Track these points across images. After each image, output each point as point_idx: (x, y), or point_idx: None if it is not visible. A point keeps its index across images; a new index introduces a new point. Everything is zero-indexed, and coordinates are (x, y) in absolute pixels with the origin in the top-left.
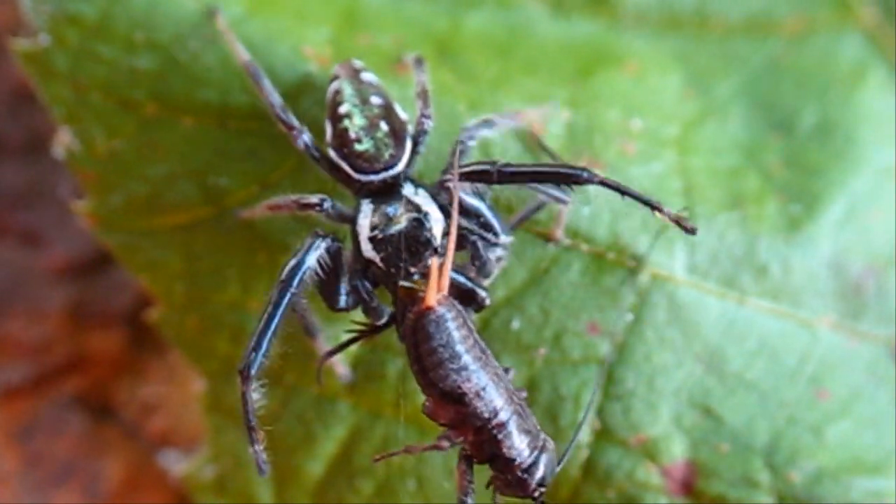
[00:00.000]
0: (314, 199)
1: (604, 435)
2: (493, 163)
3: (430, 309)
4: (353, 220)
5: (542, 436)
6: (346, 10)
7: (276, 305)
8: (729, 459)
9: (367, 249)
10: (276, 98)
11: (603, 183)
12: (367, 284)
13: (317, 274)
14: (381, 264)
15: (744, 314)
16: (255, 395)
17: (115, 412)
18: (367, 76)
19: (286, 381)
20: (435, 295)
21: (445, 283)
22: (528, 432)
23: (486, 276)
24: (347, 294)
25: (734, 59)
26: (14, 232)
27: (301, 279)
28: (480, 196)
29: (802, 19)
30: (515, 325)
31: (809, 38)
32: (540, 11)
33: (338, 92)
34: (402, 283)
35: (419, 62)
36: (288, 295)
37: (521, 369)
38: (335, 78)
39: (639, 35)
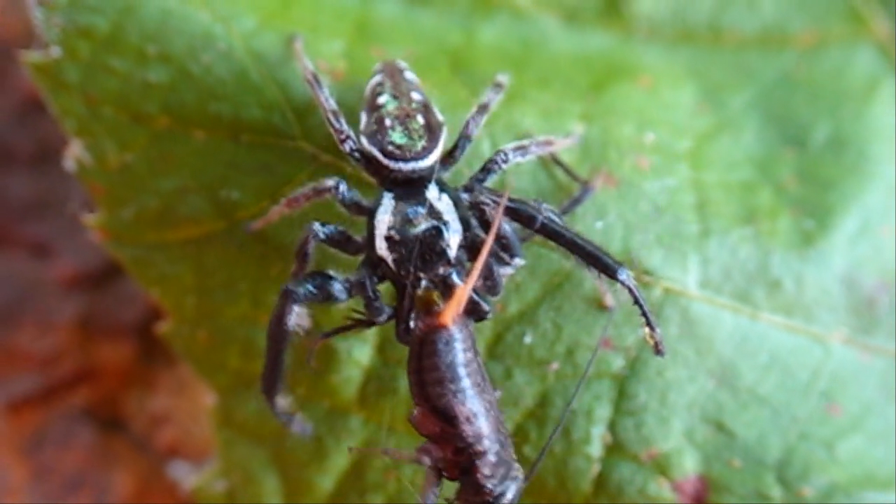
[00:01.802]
0: (330, 181)
1: (616, 450)
2: (539, 211)
3: (444, 327)
4: (371, 213)
5: (516, 466)
6: (359, 23)
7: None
8: (741, 474)
9: (381, 247)
10: (331, 104)
11: (630, 291)
12: (374, 280)
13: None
14: (391, 265)
15: (756, 329)
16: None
17: (125, 424)
18: (409, 75)
19: (297, 394)
20: (453, 314)
21: (462, 305)
22: (504, 462)
23: (495, 294)
24: (343, 285)
25: (747, 73)
26: (23, 243)
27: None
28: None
29: (816, 32)
30: (528, 339)
31: (822, 51)
32: (553, 24)
33: (379, 84)
34: (421, 291)
35: (498, 86)
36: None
37: (534, 384)
38: (377, 73)
39: (652, 48)
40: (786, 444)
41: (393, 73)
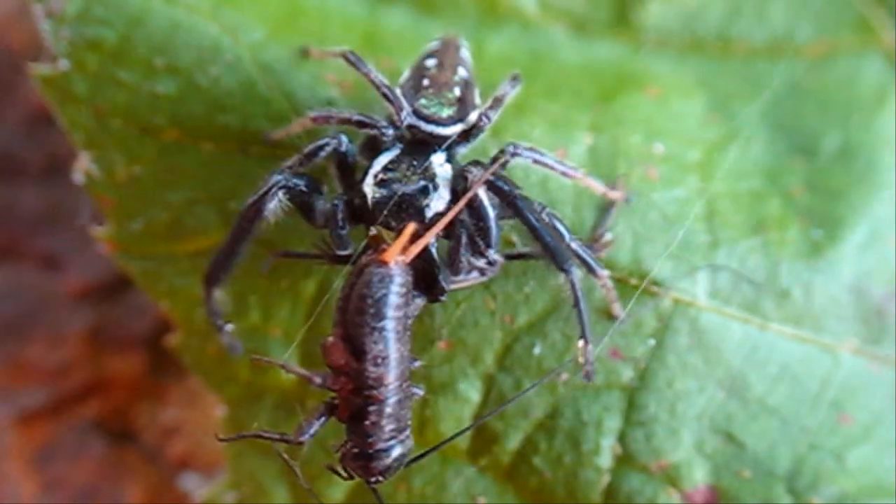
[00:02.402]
0: (356, 115)
1: (625, 461)
2: (516, 189)
3: (384, 263)
4: (375, 155)
5: (408, 433)
6: (367, 34)
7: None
8: (751, 485)
9: (369, 183)
10: (382, 78)
11: (572, 288)
12: (347, 212)
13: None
14: (369, 203)
15: (766, 339)
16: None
17: (135, 436)
18: (464, 52)
19: (307, 406)
20: (396, 254)
21: (413, 252)
22: (397, 421)
23: (454, 273)
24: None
25: (756, 83)
26: (33, 256)
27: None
28: (494, 207)
29: (825, 42)
30: (537, 350)
31: (832, 61)
32: (562, 34)
33: (434, 50)
34: (375, 228)
35: (515, 80)
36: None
37: (544, 395)
38: (435, 41)
39: (661, 58)
40: (795, 454)
41: (449, 46)
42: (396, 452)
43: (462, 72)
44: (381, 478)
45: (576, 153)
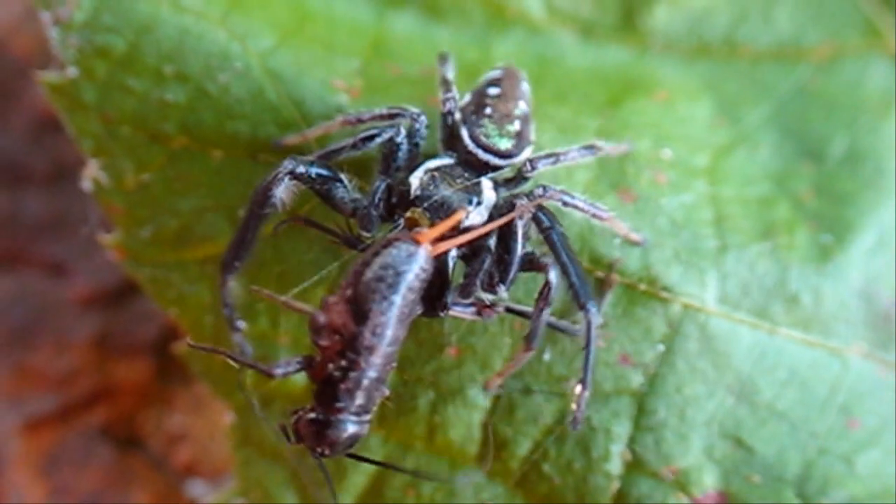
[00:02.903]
0: (385, 109)
1: (635, 466)
2: (557, 224)
3: (417, 243)
4: (429, 156)
5: (368, 419)
6: (374, 40)
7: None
8: (760, 490)
9: (418, 175)
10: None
11: (588, 328)
12: (384, 196)
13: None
14: (411, 194)
15: (775, 344)
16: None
17: (142, 443)
18: (524, 85)
19: None
20: (432, 238)
21: (441, 249)
22: (366, 398)
23: (464, 296)
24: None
25: (763, 87)
26: (39, 262)
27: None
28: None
29: (831, 46)
30: (547, 356)
31: (838, 64)
32: (569, 39)
33: (496, 79)
34: (415, 211)
35: (590, 149)
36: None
37: (553, 401)
38: (498, 69)
39: (668, 63)
40: (805, 458)
41: (511, 76)
42: (352, 429)
43: (523, 106)
44: (327, 450)
45: (584, 158)
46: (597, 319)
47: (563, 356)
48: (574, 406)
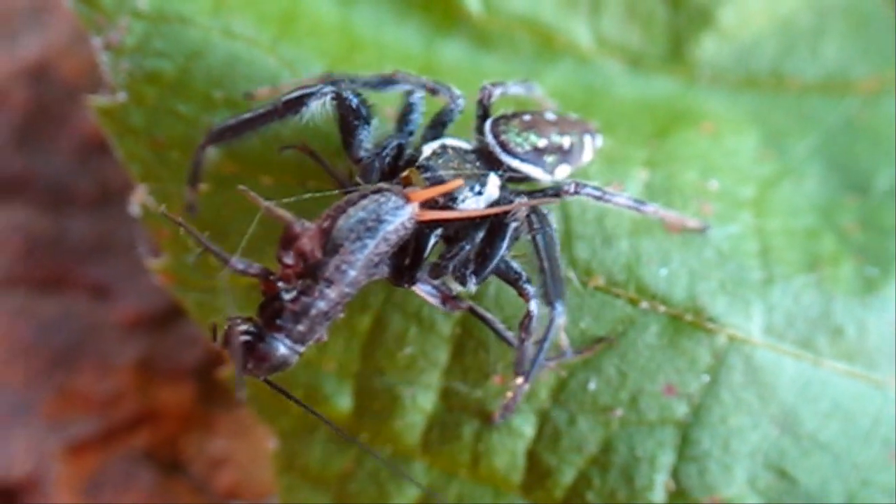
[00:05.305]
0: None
1: (679, 496)
2: (548, 227)
3: (409, 200)
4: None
5: (301, 350)
6: (423, 68)
7: None
8: None
9: (433, 146)
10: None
11: (550, 324)
12: (393, 153)
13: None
14: (419, 160)
15: (819, 375)
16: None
17: (184, 467)
18: (588, 140)
19: (361, 439)
20: (421, 199)
21: (431, 215)
22: (308, 330)
23: (433, 276)
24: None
25: (810, 119)
26: (84, 285)
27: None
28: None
29: (877, 79)
30: (592, 386)
31: (884, 97)
32: (617, 70)
33: (564, 115)
34: (414, 172)
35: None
36: None
37: (598, 430)
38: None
39: (715, 94)
40: (847, 490)
41: (578, 124)
42: (283, 352)
43: (566, 143)
44: (250, 364)
45: (632, 189)
46: (560, 319)
47: (608, 385)
48: (510, 394)
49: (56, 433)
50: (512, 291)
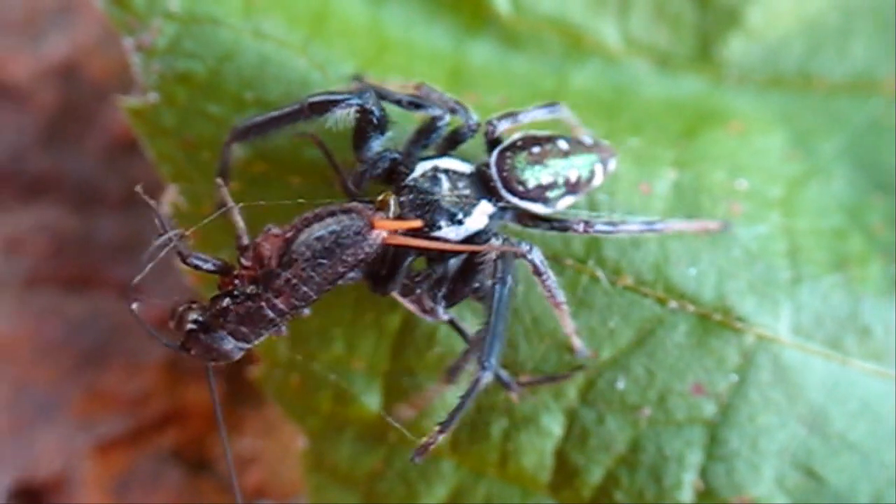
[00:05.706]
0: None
1: (707, 496)
2: (510, 279)
3: (370, 224)
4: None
5: (247, 347)
6: (452, 69)
7: None
8: None
9: (425, 166)
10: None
11: (476, 383)
12: (388, 166)
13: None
14: (407, 180)
15: (847, 375)
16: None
17: (212, 466)
18: (599, 168)
19: (389, 439)
20: (385, 228)
21: (393, 241)
22: (252, 332)
23: (402, 294)
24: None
25: (837, 119)
26: (112, 284)
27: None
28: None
29: None
30: (620, 385)
31: None
32: (645, 70)
33: (579, 140)
34: (389, 195)
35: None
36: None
37: (626, 429)
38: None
39: (743, 94)
40: (876, 490)
41: (596, 147)
42: (226, 347)
43: (574, 176)
44: (193, 350)
45: (660, 189)
46: (486, 380)
47: (637, 385)
48: (424, 440)
49: (84, 432)
50: (541, 291)
